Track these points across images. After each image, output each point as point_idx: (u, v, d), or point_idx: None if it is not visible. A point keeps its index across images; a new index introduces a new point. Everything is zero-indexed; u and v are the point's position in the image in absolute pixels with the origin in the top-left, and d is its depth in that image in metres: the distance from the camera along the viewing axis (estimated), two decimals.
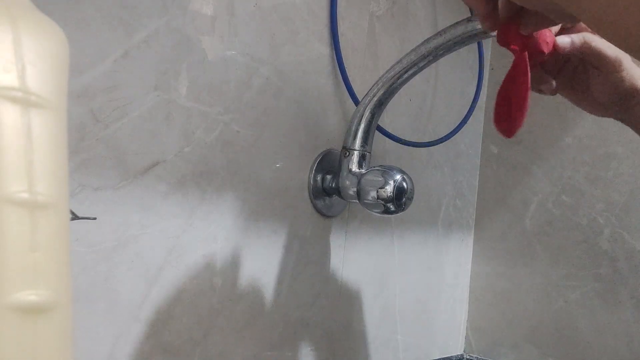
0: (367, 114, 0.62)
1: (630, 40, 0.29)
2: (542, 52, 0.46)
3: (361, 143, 0.63)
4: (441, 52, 0.55)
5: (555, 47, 0.46)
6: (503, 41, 0.45)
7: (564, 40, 0.46)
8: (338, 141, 0.67)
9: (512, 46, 0.45)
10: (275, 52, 0.60)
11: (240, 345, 0.58)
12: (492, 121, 0.48)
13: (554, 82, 0.50)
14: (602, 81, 0.47)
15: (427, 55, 0.56)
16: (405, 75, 0.59)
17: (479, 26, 0.53)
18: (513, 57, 0.48)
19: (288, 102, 0.62)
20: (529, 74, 0.45)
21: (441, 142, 0.82)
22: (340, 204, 0.68)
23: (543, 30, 0.46)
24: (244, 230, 0.58)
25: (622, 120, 0.50)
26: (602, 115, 0.50)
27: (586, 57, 0.47)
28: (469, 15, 0.85)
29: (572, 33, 0.47)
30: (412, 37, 0.78)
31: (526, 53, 0.45)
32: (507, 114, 0.47)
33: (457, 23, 0.55)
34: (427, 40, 0.56)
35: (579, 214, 0.83)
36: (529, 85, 0.45)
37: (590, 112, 0.51)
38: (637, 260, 0.78)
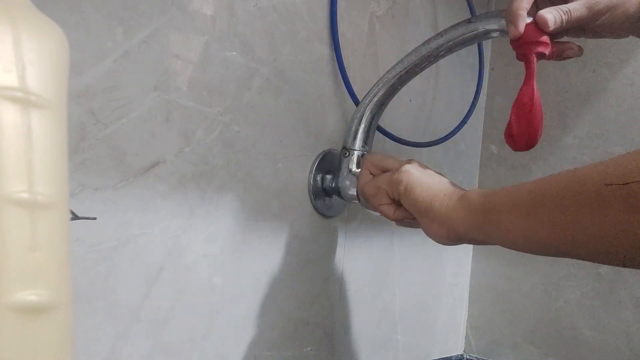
0: (367, 114, 0.62)
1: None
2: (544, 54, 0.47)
3: (361, 143, 0.63)
4: (442, 52, 0.55)
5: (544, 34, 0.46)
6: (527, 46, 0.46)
7: (548, 19, 0.46)
8: (338, 141, 0.67)
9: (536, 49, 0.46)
10: (275, 52, 0.60)
11: (240, 345, 0.58)
12: (506, 144, 0.49)
13: (574, 46, 0.50)
14: (608, 23, 0.47)
15: (428, 56, 0.56)
16: (406, 76, 0.59)
17: (481, 27, 0.53)
18: (515, 60, 0.49)
19: (288, 102, 0.62)
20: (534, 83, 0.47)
21: (441, 142, 0.81)
22: (340, 204, 0.68)
23: (528, 31, 0.46)
24: (244, 230, 0.58)
25: None
26: (627, 36, 0.50)
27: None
28: (469, 15, 0.86)
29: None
30: (412, 37, 0.78)
31: (535, 62, 0.46)
32: (524, 128, 0.48)
33: (458, 24, 0.55)
34: (427, 41, 0.56)
35: None
36: (537, 93, 0.46)
37: (615, 38, 0.50)
38: None
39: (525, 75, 0.47)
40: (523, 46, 0.47)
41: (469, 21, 0.54)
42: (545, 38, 0.46)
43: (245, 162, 0.57)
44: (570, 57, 0.51)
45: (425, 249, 0.85)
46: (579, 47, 0.51)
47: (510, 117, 0.48)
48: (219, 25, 0.54)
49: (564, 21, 0.46)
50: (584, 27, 0.48)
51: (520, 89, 0.48)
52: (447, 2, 0.84)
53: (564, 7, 0.46)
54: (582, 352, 0.82)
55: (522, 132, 0.48)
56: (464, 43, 0.55)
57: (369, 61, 0.72)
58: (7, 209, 0.26)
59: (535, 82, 0.47)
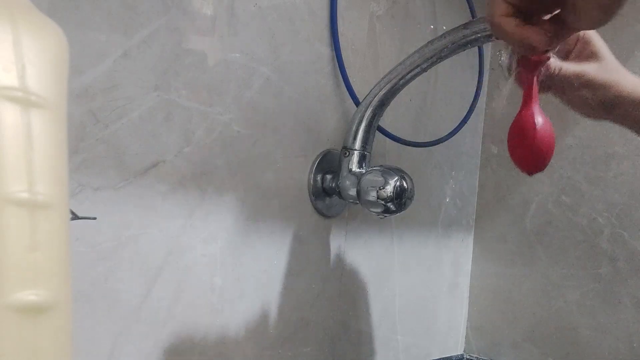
0: (368, 114, 0.62)
1: None
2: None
3: (361, 143, 0.63)
4: (445, 54, 0.55)
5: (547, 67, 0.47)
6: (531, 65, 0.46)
7: (556, 65, 0.48)
8: (338, 141, 0.67)
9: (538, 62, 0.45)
10: (275, 52, 0.60)
11: (241, 345, 0.58)
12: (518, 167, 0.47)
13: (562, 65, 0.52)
14: (590, 93, 0.49)
15: (431, 57, 0.56)
16: (408, 77, 0.59)
17: (485, 30, 0.52)
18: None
19: (288, 102, 0.62)
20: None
21: (441, 142, 0.81)
22: (340, 204, 0.68)
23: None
24: (244, 230, 0.58)
25: (614, 122, 0.51)
26: (595, 118, 0.52)
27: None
28: (470, 15, 0.85)
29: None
30: (412, 37, 0.78)
31: (535, 84, 0.46)
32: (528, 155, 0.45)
33: (461, 25, 0.55)
34: (430, 42, 0.56)
35: (579, 214, 0.83)
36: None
37: (583, 115, 0.52)
38: (637, 260, 0.78)
39: (524, 97, 0.46)
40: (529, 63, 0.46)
41: (473, 23, 0.53)
42: (545, 57, 0.45)
43: (245, 162, 0.57)
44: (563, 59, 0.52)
45: (426, 249, 0.85)
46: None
47: (510, 142, 0.46)
48: (219, 25, 0.54)
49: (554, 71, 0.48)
50: (564, 90, 0.50)
51: (520, 112, 0.46)
52: (447, 2, 0.84)
53: (559, 62, 0.48)
54: (582, 352, 0.82)
55: (528, 160, 0.45)
56: (467, 45, 0.54)
57: (369, 61, 0.72)
58: (7, 209, 0.26)
59: (536, 106, 0.45)
